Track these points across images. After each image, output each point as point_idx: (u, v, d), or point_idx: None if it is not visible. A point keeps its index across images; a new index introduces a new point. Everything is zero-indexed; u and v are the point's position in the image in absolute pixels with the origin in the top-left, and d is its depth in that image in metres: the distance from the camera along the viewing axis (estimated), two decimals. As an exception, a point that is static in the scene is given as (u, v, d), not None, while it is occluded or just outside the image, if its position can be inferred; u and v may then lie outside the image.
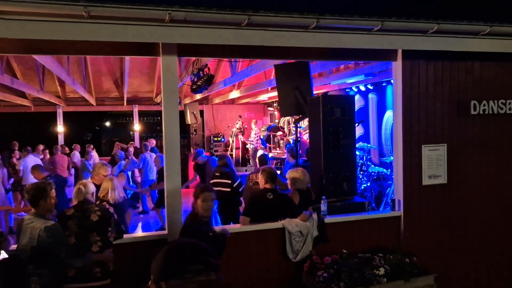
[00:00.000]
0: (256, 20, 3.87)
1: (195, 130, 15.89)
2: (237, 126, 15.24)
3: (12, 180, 9.68)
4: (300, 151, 7.32)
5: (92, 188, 4.09)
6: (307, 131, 7.91)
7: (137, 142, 16.88)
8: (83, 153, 12.23)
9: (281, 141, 13.53)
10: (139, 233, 4.64)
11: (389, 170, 8.19)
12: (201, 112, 16.17)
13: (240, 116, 15.76)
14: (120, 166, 9.45)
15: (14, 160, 11.24)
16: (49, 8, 3.35)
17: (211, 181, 7.00)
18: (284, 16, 3.94)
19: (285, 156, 10.12)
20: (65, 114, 16.45)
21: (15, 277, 3.48)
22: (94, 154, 12.08)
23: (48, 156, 12.47)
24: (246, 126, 15.35)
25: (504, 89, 5.38)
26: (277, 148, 13.43)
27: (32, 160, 9.74)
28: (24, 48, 4.19)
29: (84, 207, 3.85)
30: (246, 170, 12.21)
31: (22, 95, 14.05)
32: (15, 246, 3.68)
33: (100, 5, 3.43)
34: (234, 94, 13.62)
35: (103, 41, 3.89)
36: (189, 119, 14.16)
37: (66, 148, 13.31)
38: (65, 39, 3.85)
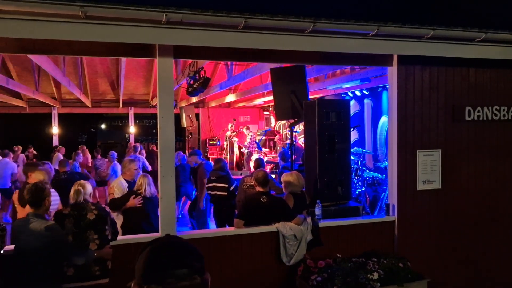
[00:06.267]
0: (253, 23, 3.87)
1: (191, 133, 15.88)
2: (230, 127, 15.22)
3: None
4: (295, 156, 7.31)
5: (90, 188, 4.10)
6: (303, 135, 7.91)
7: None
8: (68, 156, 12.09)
9: (279, 145, 13.53)
10: (133, 235, 4.60)
11: (384, 175, 8.20)
12: (197, 115, 16.16)
13: (234, 120, 15.73)
14: (114, 166, 9.37)
15: None
16: (46, 7, 3.33)
17: (207, 185, 6.96)
18: (281, 19, 3.94)
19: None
20: (60, 116, 16.37)
21: (15, 278, 3.44)
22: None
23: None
24: (241, 128, 15.33)
25: (498, 95, 5.42)
26: (273, 152, 13.42)
27: (4, 163, 9.40)
28: (19, 47, 4.16)
29: (80, 206, 3.86)
30: (241, 174, 12.19)
31: (17, 95, 13.99)
32: (12, 246, 3.61)
33: (97, 5, 3.41)
34: (230, 97, 13.62)
35: (99, 41, 3.89)
36: (184, 122, 14.13)
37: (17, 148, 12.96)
38: (61, 39, 3.85)
